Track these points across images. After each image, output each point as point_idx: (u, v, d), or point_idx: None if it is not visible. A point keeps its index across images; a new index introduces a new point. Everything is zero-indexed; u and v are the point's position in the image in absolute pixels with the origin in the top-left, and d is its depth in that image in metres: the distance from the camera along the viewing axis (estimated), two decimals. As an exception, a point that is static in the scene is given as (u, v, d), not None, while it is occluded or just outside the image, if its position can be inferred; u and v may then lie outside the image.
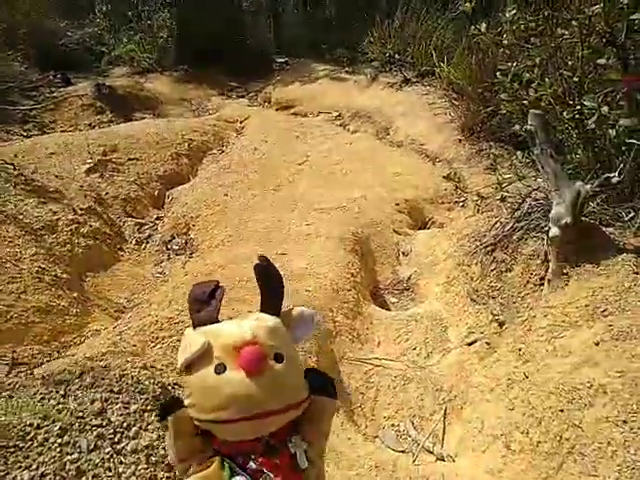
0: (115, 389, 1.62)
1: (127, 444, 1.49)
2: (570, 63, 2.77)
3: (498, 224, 2.91)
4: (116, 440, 1.49)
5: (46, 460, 1.37)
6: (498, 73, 3.15)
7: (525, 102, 2.90)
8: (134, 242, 3.44)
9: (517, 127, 3.07)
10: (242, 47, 7.18)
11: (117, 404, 1.57)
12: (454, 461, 1.95)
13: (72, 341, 2.40)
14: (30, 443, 1.39)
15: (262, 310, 1.02)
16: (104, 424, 1.50)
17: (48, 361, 2.15)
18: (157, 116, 5.82)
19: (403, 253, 3.35)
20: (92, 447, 1.44)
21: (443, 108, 4.95)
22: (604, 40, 2.41)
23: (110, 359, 1.78)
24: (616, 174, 2.24)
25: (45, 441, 1.41)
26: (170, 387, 1.71)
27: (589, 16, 2.45)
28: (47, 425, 1.44)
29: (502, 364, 2.18)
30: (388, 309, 2.93)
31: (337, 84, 6.45)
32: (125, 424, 1.53)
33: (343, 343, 2.44)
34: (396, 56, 6.12)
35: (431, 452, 2.01)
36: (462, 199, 3.89)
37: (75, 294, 2.67)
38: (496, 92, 3.71)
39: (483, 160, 4.11)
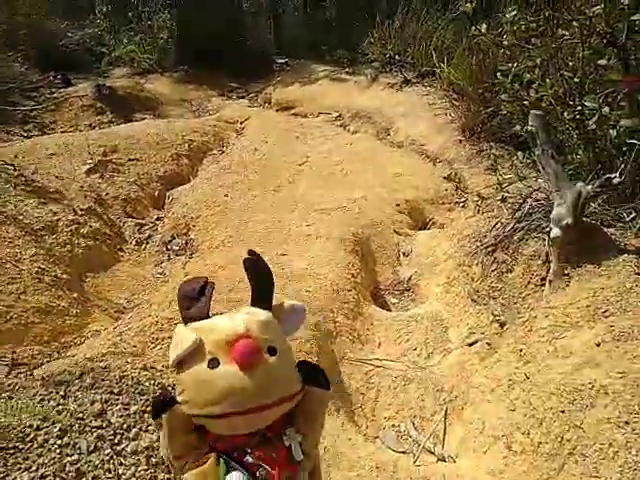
0: (115, 390, 1.61)
1: (127, 445, 1.49)
2: (571, 64, 2.78)
3: (499, 225, 2.91)
4: (116, 441, 1.48)
5: (46, 461, 1.37)
6: (499, 74, 3.14)
7: (526, 103, 2.90)
8: (134, 243, 3.44)
9: (518, 128, 3.07)
10: (242, 48, 7.18)
11: (117, 405, 1.57)
12: (455, 462, 1.94)
13: (72, 342, 2.40)
14: (30, 444, 1.39)
15: (253, 304, 1.03)
16: (104, 425, 1.50)
17: (48, 362, 2.15)
18: (157, 117, 5.82)
19: (403, 254, 3.35)
20: (92, 448, 1.43)
21: (443, 109, 4.94)
22: (605, 41, 2.41)
23: (110, 360, 1.78)
24: (617, 175, 2.23)
25: (45, 442, 1.40)
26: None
27: (590, 17, 2.45)
28: (47, 426, 1.44)
29: (503, 365, 2.17)
30: (389, 310, 2.92)
31: (337, 85, 6.44)
32: (125, 425, 1.53)
33: (343, 344, 2.44)
34: (396, 57, 6.11)
35: (432, 453, 2.01)
36: (463, 200, 3.88)
37: (75, 295, 2.67)
38: (497, 93, 3.70)
39: (484, 161, 4.10)
